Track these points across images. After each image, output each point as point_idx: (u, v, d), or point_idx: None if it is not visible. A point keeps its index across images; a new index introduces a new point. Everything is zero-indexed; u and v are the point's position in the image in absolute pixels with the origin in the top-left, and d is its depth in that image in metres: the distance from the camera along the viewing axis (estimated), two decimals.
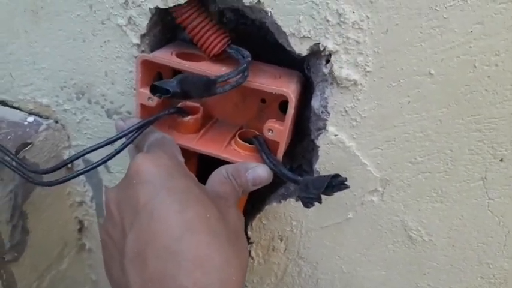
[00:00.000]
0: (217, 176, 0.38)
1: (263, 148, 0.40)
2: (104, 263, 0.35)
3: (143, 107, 0.40)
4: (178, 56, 0.39)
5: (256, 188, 0.38)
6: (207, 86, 0.33)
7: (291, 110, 0.35)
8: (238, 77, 0.35)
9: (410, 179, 0.40)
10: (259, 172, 0.37)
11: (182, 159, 0.38)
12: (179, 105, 0.43)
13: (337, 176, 0.35)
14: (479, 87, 0.33)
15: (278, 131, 0.37)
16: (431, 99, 0.35)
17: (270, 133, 0.38)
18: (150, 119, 0.39)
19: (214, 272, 0.29)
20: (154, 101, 0.39)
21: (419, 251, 0.44)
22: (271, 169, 0.38)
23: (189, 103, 0.43)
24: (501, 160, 0.37)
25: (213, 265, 0.29)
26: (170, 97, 0.31)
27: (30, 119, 0.52)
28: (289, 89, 0.35)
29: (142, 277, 0.29)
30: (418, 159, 0.38)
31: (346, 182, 0.34)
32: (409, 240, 0.44)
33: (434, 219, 0.41)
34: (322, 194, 0.35)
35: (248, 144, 0.41)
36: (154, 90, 0.32)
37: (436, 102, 0.35)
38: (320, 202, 0.35)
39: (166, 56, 0.38)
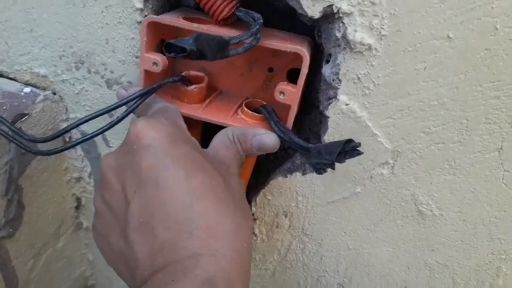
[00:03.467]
0: (222, 137, 0.37)
1: (272, 116, 0.38)
2: (97, 234, 0.34)
3: (147, 73, 0.39)
4: (186, 19, 0.37)
5: (261, 153, 0.37)
6: (220, 47, 0.32)
7: (305, 70, 0.34)
8: (251, 39, 0.33)
9: (423, 151, 0.38)
10: (266, 139, 0.36)
11: (184, 125, 0.36)
12: (183, 73, 0.41)
13: (350, 141, 0.34)
14: (499, 52, 0.32)
15: (290, 93, 0.36)
16: (448, 64, 0.34)
17: (281, 96, 0.36)
18: (153, 85, 0.38)
19: (226, 239, 0.28)
20: (159, 67, 0.37)
21: (429, 226, 0.43)
22: (281, 137, 0.37)
23: (193, 72, 0.42)
24: None
25: (225, 232, 0.29)
26: (186, 56, 0.30)
27: (27, 89, 0.50)
28: (303, 47, 0.34)
29: (151, 246, 0.28)
30: (432, 129, 0.37)
31: (359, 148, 0.33)
32: (419, 215, 0.43)
33: (445, 192, 0.40)
34: (335, 160, 0.34)
35: (255, 113, 0.40)
36: (168, 49, 0.31)
37: (454, 68, 0.34)
38: (333, 168, 0.35)
39: (173, 19, 0.37)
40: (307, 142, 0.36)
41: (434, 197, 0.41)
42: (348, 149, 0.33)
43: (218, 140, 0.36)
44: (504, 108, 0.34)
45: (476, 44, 0.32)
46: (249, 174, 0.44)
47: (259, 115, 0.39)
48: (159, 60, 0.37)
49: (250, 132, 0.36)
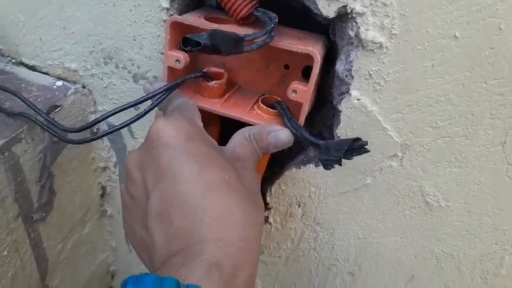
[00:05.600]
0: (239, 137, 0.39)
1: (285, 113, 0.41)
2: (125, 223, 0.37)
3: (170, 69, 0.41)
4: (207, 19, 0.40)
5: (277, 150, 0.39)
6: (235, 43, 0.35)
7: (316, 70, 0.36)
8: (265, 36, 0.36)
9: (430, 144, 0.41)
10: (281, 136, 0.39)
11: (201, 124, 0.39)
12: (204, 70, 0.44)
13: (357, 139, 0.36)
14: (503, 50, 0.34)
15: (302, 92, 0.38)
16: (455, 62, 0.36)
17: (293, 94, 0.39)
18: (177, 81, 0.40)
19: (234, 227, 0.31)
20: (181, 64, 0.40)
21: (436, 217, 0.45)
22: (293, 133, 0.39)
23: (214, 69, 0.45)
24: None
25: (234, 221, 0.31)
26: (200, 50, 0.32)
27: (59, 83, 0.54)
28: (315, 49, 0.36)
29: (167, 233, 0.31)
30: (439, 124, 0.39)
31: (366, 146, 0.36)
32: (426, 206, 0.45)
33: (451, 184, 0.42)
34: (343, 157, 0.36)
35: (271, 109, 0.42)
36: (185, 43, 0.33)
37: (460, 65, 0.36)
38: (340, 164, 0.36)
39: (195, 19, 0.39)
40: (317, 139, 0.38)
41: (441, 189, 0.43)
42: (356, 147, 0.35)
43: (235, 139, 0.39)
44: (508, 104, 0.36)
45: (481, 43, 0.34)
46: (264, 168, 0.47)
47: (274, 111, 0.42)
48: (181, 57, 0.40)
49: (265, 130, 0.38)
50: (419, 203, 0.45)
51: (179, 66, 0.40)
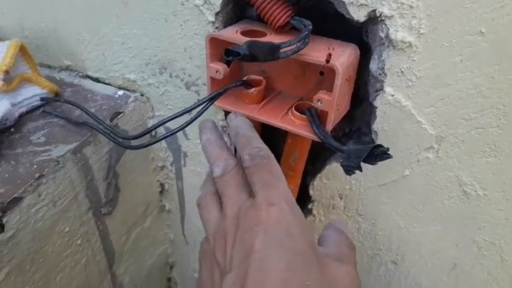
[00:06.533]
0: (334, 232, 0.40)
1: (314, 119, 0.43)
2: (201, 280, 0.38)
3: (213, 80, 0.46)
4: (243, 33, 0.44)
5: None
6: (271, 51, 0.38)
7: (337, 82, 0.39)
8: (299, 43, 0.39)
9: (464, 135, 0.42)
10: None
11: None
12: (244, 78, 0.48)
13: (379, 146, 0.37)
14: None
15: (326, 101, 0.40)
16: (482, 57, 0.37)
17: (319, 103, 0.41)
18: (219, 90, 0.45)
19: None
20: (221, 74, 0.44)
21: (474, 206, 0.46)
22: (321, 139, 0.42)
23: (253, 76, 0.48)
24: None
25: None
26: (240, 59, 0.36)
27: (120, 92, 0.60)
28: (338, 62, 0.38)
29: None
30: (472, 116, 0.41)
31: (388, 152, 0.37)
32: (464, 195, 0.46)
33: (488, 173, 0.44)
34: (367, 163, 0.37)
35: (302, 115, 0.44)
36: (227, 54, 0.38)
37: (488, 59, 0.37)
38: (361, 170, 0.38)
39: (231, 34, 0.43)
40: (341, 145, 0.40)
41: (478, 178, 0.44)
42: (378, 153, 0.36)
43: (330, 235, 0.40)
44: None
45: (507, 37, 0.36)
46: (303, 163, 0.49)
47: (304, 116, 0.44)
48: (221, 69, 0.44)
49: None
50: (457, 193, 0.46)
51: (219, 76, 0.44)
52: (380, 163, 0.43)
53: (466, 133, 0.42)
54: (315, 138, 0.43)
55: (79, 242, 0.57)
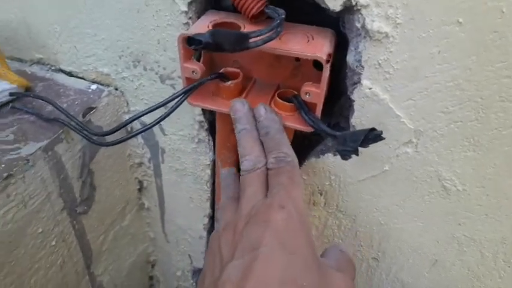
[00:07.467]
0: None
1: (302, 106, 0.42)
2: (203, 272, 0.39)
3: (188, 79, 0.44)
4: (215, 26, 0.42)
5: None
6: (239, 40, 0.36)
7: (326, 73, 0.38)
8: (270, 32, 0.37)
9: (443, 129, 0.41)
10: None
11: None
12: (221, 71, 0.46)
13: (373, 129, 0.37)
14: (507, 33, 0.34)
15: (315, 93, 0.40)
16: (460, 47, 0.36)
17: (307, 96, 0.40)
18: (194, 84, 0.43)
19: None
20: (198, 74, 0.42)
21: (454, 201, 0.45)
22: (311, 126, 0.41)
23: (229, 69, 0.46)
24: None
25: None
26: (203, 48, 0.35)
27: (94, 86, 0.58)
28: (323, 53, 0.37)
29: None
30: (450, 109, 0.40)
31: (382, 135, 0.37)
32: (444, 191, 0.45)
33: (467, 168, 0.43)
34: (361, 146, 0.37)
35: (287, 103, 0.44)
36: (189, 43, 0.36)
37: (465, 50, 0.36)
38: (357, 154, 0.38)
39: (203, 30, 0.42)
40: (334, 130, 0.40)
41: (457, 173, 0.43)
42: (371, 136, 0.36)
43: (332, 251, 0.40)
44: None
45: (485, 27, 0.34)
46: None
47: (291, 104, 0.43)
48: (197, 68, 0.42)
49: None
50: (437, 188, 0.45)
51: (196, 76, 0.43)
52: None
53: (445, 127, 0.41)
54: (306, 129, 0.42)
55: (54, 242, 0.56)
